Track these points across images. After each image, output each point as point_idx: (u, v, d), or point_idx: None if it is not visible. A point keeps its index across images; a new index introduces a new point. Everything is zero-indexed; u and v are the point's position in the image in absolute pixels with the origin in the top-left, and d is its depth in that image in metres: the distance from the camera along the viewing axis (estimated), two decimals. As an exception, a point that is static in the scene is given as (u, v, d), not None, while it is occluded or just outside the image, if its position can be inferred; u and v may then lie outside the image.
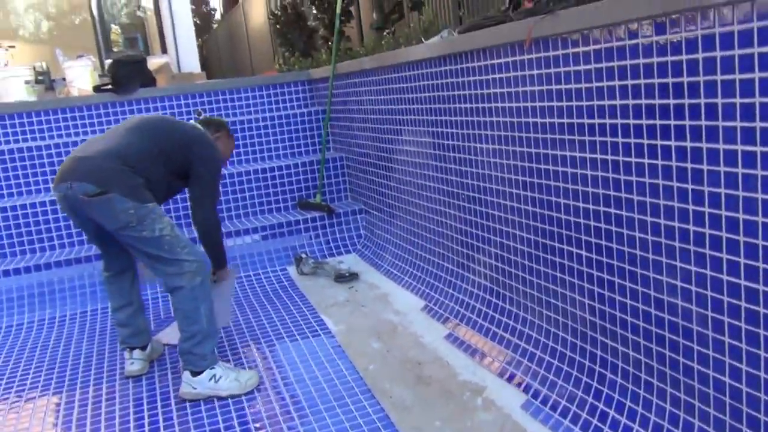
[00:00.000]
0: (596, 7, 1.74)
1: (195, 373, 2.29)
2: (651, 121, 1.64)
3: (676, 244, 1.63)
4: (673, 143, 1.59)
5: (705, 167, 1.50)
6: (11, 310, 3.35)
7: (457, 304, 2.80)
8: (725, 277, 1.50)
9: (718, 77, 1.43)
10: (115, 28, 8.53)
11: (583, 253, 2.00)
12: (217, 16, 18.40)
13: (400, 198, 3.45)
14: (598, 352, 1.99)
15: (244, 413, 2.20)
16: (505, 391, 2.18)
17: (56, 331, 3.15)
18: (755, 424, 1.47)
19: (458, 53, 2.56)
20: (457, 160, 2.74)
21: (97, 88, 4.46)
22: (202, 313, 2.27)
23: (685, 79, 1.51)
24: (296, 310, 3.12)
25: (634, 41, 1.65)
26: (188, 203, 2.48)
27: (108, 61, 5.29)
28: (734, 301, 1.48)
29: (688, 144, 1.54)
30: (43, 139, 4.20)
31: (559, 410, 1.99)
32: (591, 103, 1.85)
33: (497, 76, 2.32)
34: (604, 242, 1.90)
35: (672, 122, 1.58)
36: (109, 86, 4.35)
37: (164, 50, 8.08)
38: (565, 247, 2.09)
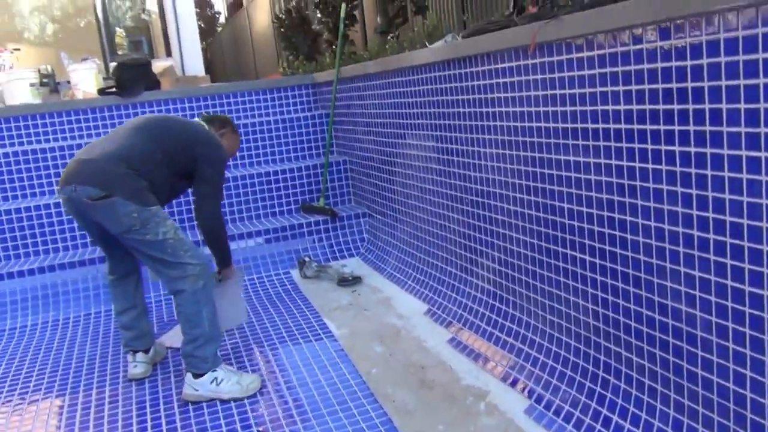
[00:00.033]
0: (600, 12, 1.75)
1: (197, 376, 2.29)
2: (655, 127, 1.64)
3: (681, 249, 1.63)
4: (677, 148, 1.58)
5: (709, 172, 1.50)
6: (15, 312, 3.36)
7: (460, 308, 2.79)
8: (729, 283, 1.50)
9: (723, 83, 1.43)
10: (119, 31, 8.55)
11: (588, 258, 1.99)
12: (222, 19, 18.48)
13: (403, 202, 3.45)
14: (602, 357, 1.98)
15: (247, 416, 2.20)
16: (509, 396, 2.18)
17: (60, 334, 3.15)
18: (760, 430, 1.46)
19: (462, 57, 2.56)
20: (461, 164, 2.74)
21: (101, 91, 4.46)
22: (204, 316, 2.28)
23: (690, 85, 1.51)
24: (299, 313, 3.13)
25: (638, 46, 1.65)
26: (192, 203, 2.49)
27: (112, 64, 5.29)
28: (738, 307, 1.48)
29: (693, 149, 1.54)
30: (47, 141, 4.21)
31: (562, 415, 1.99)
32: (595, 108, 1.85)
33: (501, 80, 2.32)
34: (608, 247, 1.89)
35: (676, 127, 1.58)
36: (114, 89, 4.36)
37: (169, 53, 8.10)
38: (569, 251, 2.08)
